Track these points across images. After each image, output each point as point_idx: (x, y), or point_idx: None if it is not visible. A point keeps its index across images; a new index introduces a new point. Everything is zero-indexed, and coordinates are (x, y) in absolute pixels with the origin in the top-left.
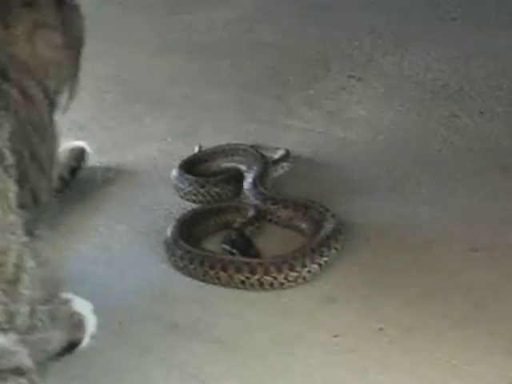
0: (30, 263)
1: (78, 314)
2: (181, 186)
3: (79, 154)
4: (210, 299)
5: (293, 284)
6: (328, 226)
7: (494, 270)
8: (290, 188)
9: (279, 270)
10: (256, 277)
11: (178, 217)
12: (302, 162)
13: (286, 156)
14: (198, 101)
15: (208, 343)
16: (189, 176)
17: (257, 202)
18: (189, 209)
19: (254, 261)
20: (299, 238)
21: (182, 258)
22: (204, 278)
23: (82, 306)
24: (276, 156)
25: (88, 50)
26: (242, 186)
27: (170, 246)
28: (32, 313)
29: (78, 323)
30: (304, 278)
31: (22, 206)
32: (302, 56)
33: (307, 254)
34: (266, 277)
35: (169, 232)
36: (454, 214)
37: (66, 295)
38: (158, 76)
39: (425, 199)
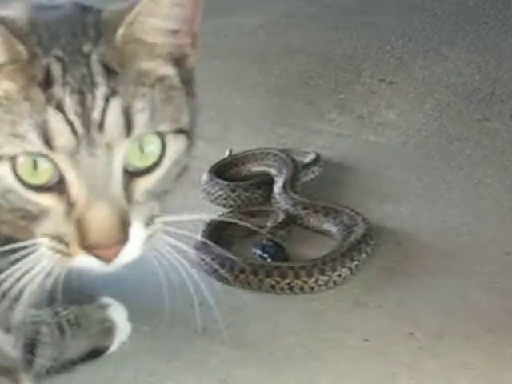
0: None
1: (109, 321)
2: (211, 190)
3: None
4: (239, 303)
5: (323, 288)
6: (358, 231)
7: None
8: (320, 192)
9: (309, 275)
10: (286, 281)
11: (208, 221)
12: (332, 166)
13: (317, 160)
14: (228, 105)
15: (238, 348)
16: (219, 180)
17: (287, 207)
18: (219, 213)
19: (284, 265)
20: (330, 242)
21: (212, 263)
22: (234, 283)
23: (117, 313)
24: (306, 160)
25: None
26: (272, 190)
27: (201, 250)
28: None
29: (106, 330)
30: (334, 283)
31: None
32: (332, 60)
33: (337, 259)
34: (296, 281)
35: (199, 236)
36: (485, 219)
37: (103, 300)
38: None
39: (455, 204)
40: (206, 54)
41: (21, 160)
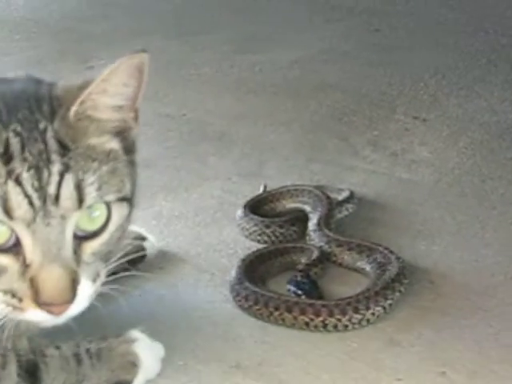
0: None
1: (133, 355)
2: (246, 225)
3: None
4: (273, 340)
5: (357, 326)
6: (392, 269)
7: None
8: (353, 230)
9: (343, 312)
10: (320, 318)
11: (242, 257)
12: (365, 203)
13: (351, 197)
14: (262, 140)
15: None
16: (254, 216)
17: (321, 244)
18: (253, 249)
19: (319, 302)
20: (363, 280)
21: (246, 299)
22: (268, 319)
23: (144, 349)
24: (340, 197)
25: (154, 88)
26: (306, 227)
27: (235, 286)
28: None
29: (129, 364)
30: (368, 321)
31: None
32: (366, 97)
33: (371, 297)
34: (330, 319)
35: (233, 272)
36: None
37: (130, 334)
38: (223, 115)
39: (488, 243)
40: (241, 89)
41: None
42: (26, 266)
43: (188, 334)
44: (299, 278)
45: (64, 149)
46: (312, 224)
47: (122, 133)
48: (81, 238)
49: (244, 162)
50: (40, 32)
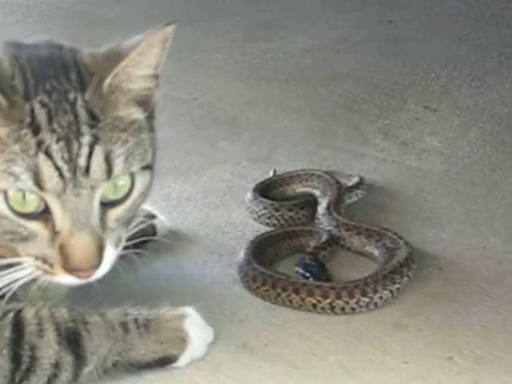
0: None
1: (183, 332)
2: (255, 208)
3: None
4: (280, 321)
5: (364, 309)
6: (401, 254)
7: None
8: (362, 215)
9: (351, 295)
10: (328, 300)
11: (251, 238)
12: (375, 189)
13: (360, 183)
14: (273, 126)
15: (278, 365)
16: (263, 199)
17: (330, 228)
18: (262, 231)
19: (326, 285)
20: (371, 264)
21: (254, 280)
22: (276, 301)
23: (195, 328)
24: (350, 183)
25: (166, 73)
26: (315, 211)
27: (243, 267)
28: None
29: (178, 340)
30: (375, 304)
31: None
32: (377, 86)
33: (379, 281)
34: (337, 301)
35: (242, 253)
36: None
37: (184, 310)
38: (234, 100)
39: (497, 232)
40: (252, 76)
41: (12, 193)
42: (55, 233)
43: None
44: (308, 261)
45: (94, 120)
46: (321, 208)
47: (146, 102)
48: (106, 206)
49: (254, 147)
50: (52, 15)
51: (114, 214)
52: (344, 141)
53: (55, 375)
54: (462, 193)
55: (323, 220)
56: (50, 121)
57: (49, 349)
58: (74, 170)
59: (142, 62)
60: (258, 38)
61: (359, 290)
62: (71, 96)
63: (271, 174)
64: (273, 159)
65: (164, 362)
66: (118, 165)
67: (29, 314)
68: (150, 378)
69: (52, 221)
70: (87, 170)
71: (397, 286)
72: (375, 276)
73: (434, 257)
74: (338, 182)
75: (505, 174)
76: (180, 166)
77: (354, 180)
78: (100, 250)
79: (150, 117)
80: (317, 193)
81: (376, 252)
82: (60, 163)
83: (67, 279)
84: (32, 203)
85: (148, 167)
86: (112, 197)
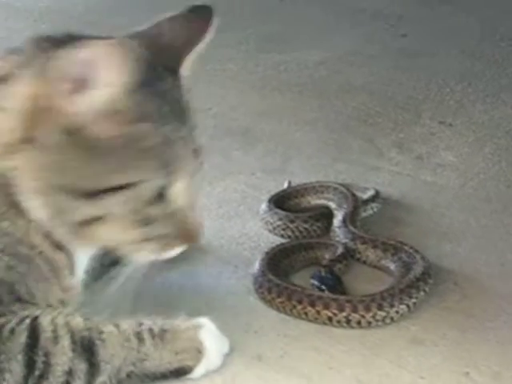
0: None
1: (199, 343)
2: (270, 220)
3: None
4: (295, 334)
5: (380, 323)
6: (417, 268)
7: None
8: (378, 228)
9: (367, 309)
10: (344, 314)
11: (266, 250)
12: (390, 203)
13: (376, 196)
14: (287, 138)
15: (293, 377)
16: (278, 210)
17: (346, 241)
18: (276, 243)
19: (342, 298)
20: (387, 278)
21: (269, 291)
22: (291, 313)
23: (210, 339)
24: (365, 196)
25: None
26: (331, 223)
27: (258, 279)
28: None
29: (194, 351)
30: (392, 319)
31: None
32: (391, 100)
33: (396, 295)
34: (353, 314)
35: (257, 264)
36: None
37: (198, 320)
38: (248, 111)
39: None
40: (266, 87)
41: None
42: (175, 212)
43: None
44: (323, 273)
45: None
46: (337, 221)
47: None
48: None
49: (268, 158)
50: (65, 23)
51: None
52: (358, 154)
53: (68, 383)
54: (478, 208)
55: (339, 233)
56: (171, 109)
57: (63, 356)
58: (195, 154)
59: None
60: (272, 50)
61: (376, 304)
62: (176, 83)
63: (286, 185)
64: (287, 171)
65: (179, 373)
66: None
67: (45, 320)
68: None
69: (175, 202)
70: (197, 152)
71: (413, 300)
72: (392, 290)
73: (451, 272)
74: (353, 195)
75: None
76: None
77: (370, 193)
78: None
79: None
80: (332, 205)
81: (392, 266)
82: (190, 148)
83: (179, 251)
84: (154, 189)
85: None
86: None
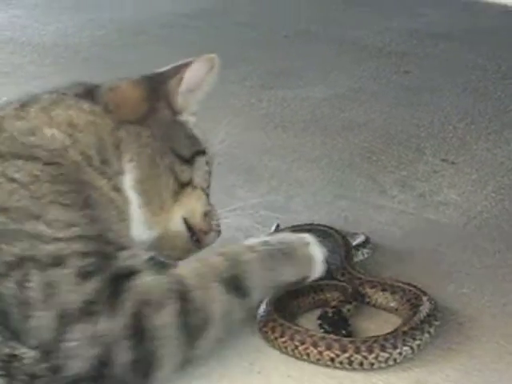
0: None
1: (310, 257)
2: None
3: None
4: (298, 375)
5: (383, 365)
6: (423, 310)
7: None
8: (381, 268)
9: (370, 350)
10: (346, 355)
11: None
12: (393, 241)
13: (366, 242)
14: (290, 175)
15: None
16: None
17: (354, 285)
18: None
19: (345, 339)
20: (396, 320)
21: (273, 331)
22: (293, 353)
23: (316, 252)
24: (355, 242)
25: None
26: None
27: (262, 318)
28: None
29: (308, 263)
30: (395, 360)
31: None
32: (394, 137)
33: (399, 336)
34: (356, 355)
35: (264, 304)
36: None
37: (306, 237)
38: (252, 148)
39: None
40: (269, 124)
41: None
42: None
43: (213, 364)
44: (330, 314)
45: None
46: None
47: None
48: None
49: (271, 195)
50: (69, 58)
51: None
52: (361, 192)
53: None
54: (481, 247)
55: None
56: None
57: (219, 302)
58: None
59: None
60: (275, 86)
61: (378, 345)
62: None
63: (273, 228)
64: (290, 208)
65: (299, 282)
66: None
67: (186, 272)
68: None
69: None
70: None
71: (417, 342)
72: (395, 332)
73: (454, 312)
74: (344, 238)
75: None
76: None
77: (359, 239)
78: None
79: None
80: None
81: (400, 307)
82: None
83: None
84: None
85: None
86: None
